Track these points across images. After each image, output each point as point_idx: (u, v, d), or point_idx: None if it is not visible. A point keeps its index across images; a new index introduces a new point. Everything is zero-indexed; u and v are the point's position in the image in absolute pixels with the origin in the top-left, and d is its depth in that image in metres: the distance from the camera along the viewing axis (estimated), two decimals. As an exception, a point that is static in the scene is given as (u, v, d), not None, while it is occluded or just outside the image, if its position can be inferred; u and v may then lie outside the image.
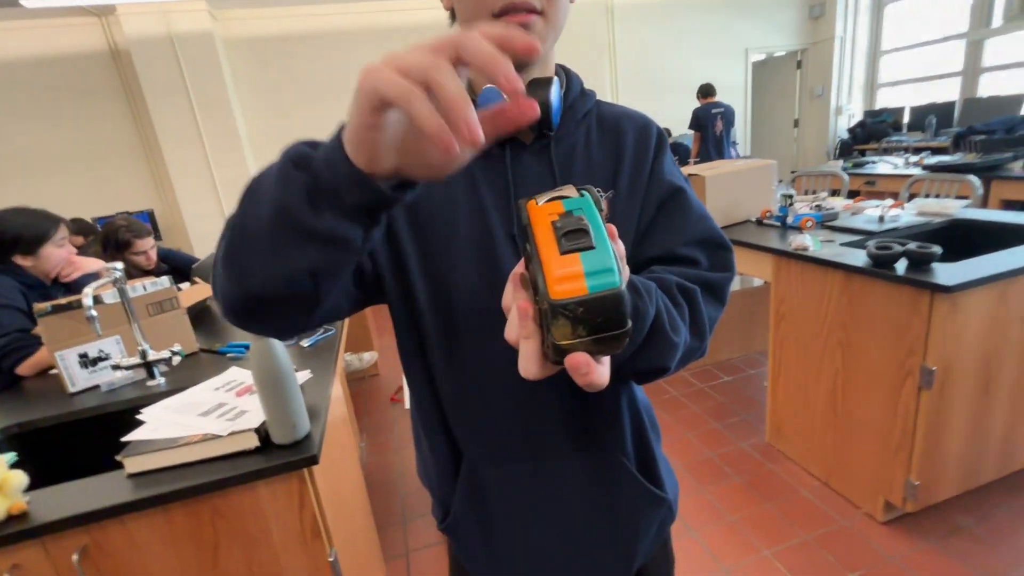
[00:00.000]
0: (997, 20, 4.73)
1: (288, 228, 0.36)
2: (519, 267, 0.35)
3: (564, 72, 0.59)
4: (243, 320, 0.44)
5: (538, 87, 0.51)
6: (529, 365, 0.32)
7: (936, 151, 4.46)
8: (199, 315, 1.82)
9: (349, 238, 0.36)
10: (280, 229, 0.36)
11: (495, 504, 0.61)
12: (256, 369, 0.85)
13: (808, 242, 1.72)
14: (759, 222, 2.18)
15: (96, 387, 1.28)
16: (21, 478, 0.81)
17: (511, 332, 0.34)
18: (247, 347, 1.42)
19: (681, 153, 5.07)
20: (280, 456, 0.89)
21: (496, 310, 0.54)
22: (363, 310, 0.52)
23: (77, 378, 1.27)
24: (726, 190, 2.15)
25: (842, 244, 1.74)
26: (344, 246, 0.37)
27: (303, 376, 1.17)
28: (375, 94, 0.29)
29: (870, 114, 5.88)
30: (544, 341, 0.31)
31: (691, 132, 4.91)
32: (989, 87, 5.02)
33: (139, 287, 1.34)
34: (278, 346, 0.86)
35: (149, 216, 4.61)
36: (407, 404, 1.83)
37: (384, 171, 0.34)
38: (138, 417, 0.98)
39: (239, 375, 1.15)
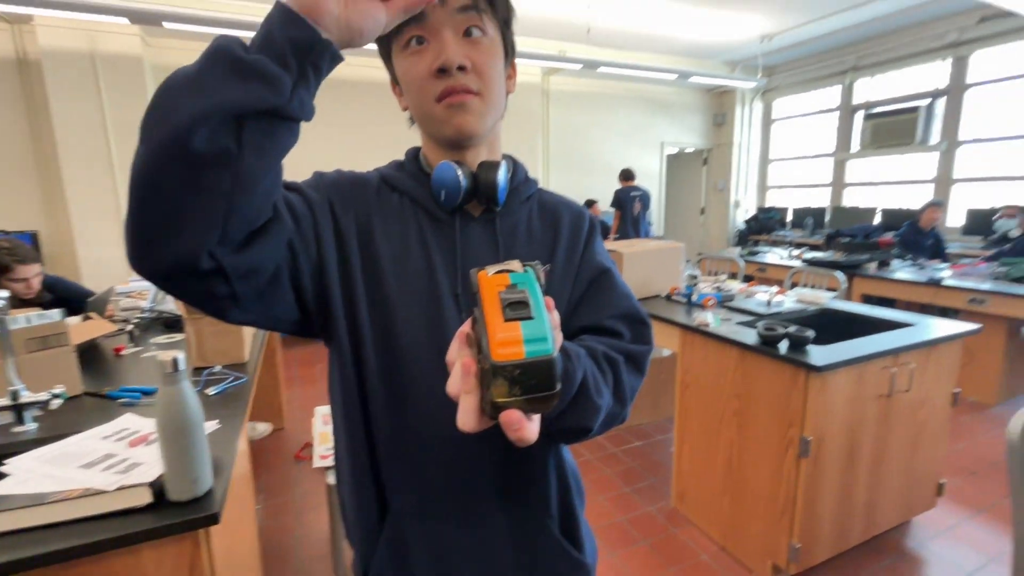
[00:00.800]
0: (855, 146, 5.76)
1: (217, 64, 0.37)
2: (465, 327, 0.39)
3: (512, 160, 0.67)
4: (152, 206, 0.38)
5: (487, 168, 0.58)
6: (467, 418, 0.35)
7: (813, 247, 5.21)
8: (86, 354, 1.64)
9: (278, 76, 0.38)
10: (208, 66, 0.38)
11: (417, 560, 0.61)
12: (161, 412, 0.79)
13: (709, 319, 1.93)
14: (668, 298, 2.40)
15: (-56, 432, 1.10)
16: None
17: (453, 386, 0.37)
18: (144, 391, 1.29)
19: (603, 229, 5.48)
20: (175, 514, 0.81)
21: (437, 360, 0.58)
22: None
23: (-80, 420, 1.08)
24: (641, 267, 2.36)
25: (737, 323, 1.96)
26: (274, 84, 0.38)
27: (210, 426, 1.09)
28: None
29: (762, 210, 6.77)
30: (483, 397, 0.34)
31: (612, 210, 5.35)
32: (852, 197, 6.02)
33: (22, 319, 1.20)
34: (189, 393, 0.82)
35: (32, 237, 4.12)
36: (316, 463, 1.73)
37: (328, 11, 0.40)
38: (0, 469, 0.86)
39: (134, 423, 1.05)
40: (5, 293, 1.09)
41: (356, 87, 4.94)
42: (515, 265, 0.39)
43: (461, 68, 0.54)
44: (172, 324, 2.03)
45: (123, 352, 1.71)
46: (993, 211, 4.39)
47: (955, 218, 4.94)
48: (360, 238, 0.58)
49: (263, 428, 2.88)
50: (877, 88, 5.62)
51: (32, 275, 1.94)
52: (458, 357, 0.37)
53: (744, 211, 7.08)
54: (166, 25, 3.61)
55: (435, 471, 0.60)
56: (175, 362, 0.79)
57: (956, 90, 4.85)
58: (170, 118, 0.36)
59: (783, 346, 1.64)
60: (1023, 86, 4.43)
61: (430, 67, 0.54)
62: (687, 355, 2.02)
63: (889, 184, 5.65)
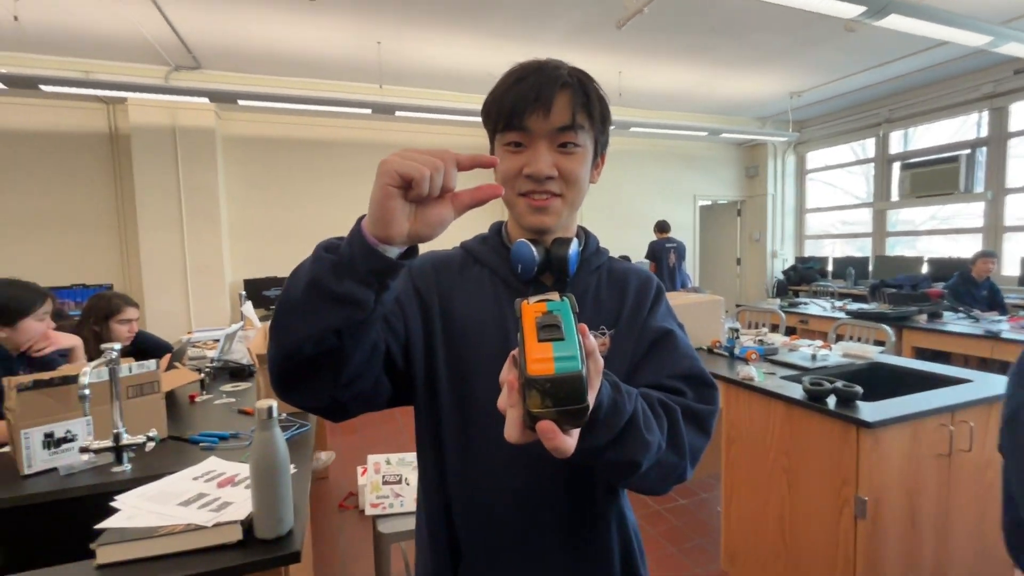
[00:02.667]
0: (894, 196, 5.70)
1: (317, 294, 0.49)
2: (515, 351, 0.44)
3: (584, 233, 0.75)
4: (285, 379, 0.54)
5: (559, 244, 0.66)
6: (512, 430, 0.41)
7: (856, 298, 5.08)
8: (167, 401, 1.78)
9: (363, 299, 0.49)
10: (311, 295, 0.49)
11: None
12: (256, 458, 0.89)
13: (753, 373, 1.93)
14: (710, 351, 2.40)
15: (53, 470, 1.23)
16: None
17: (502, 401, 0.43)
18: (222, 437, 1.41)
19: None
20: (263, 551, 0.89)
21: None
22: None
23: (35, 458, 1.22)
24: (679, 319, 2.39)
25: (782, 377, 1.95)
26: (360, 305, 0.49)
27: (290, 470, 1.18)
28: (395, 172, 0.45)
29: (800, 260, 6.68)
30: (523, 410, 0.39)
31: (647, 262, 5.41)
32: (896, 247, 5.89)
33: (125, 368, 1.35)
34: (280, 439, 0.91)
35: (108, 289, 4.48)
36: (368, 511, 1.78)
37: (399, 235, 0.47)
38: (113, 504, 0.97)
39: (219, 465, 1.15)
40: (117, 345, 1.24)
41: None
42: (553, 295, 0.46)
43: (548, 177, 0.61)
44: (237, 373, 2.18)
45: (197, 399, 1.85)
46: (1050, 260, 4.21)
47: (1010, 267, 4.76)
48: (443, 314, 0.68)
49: (326, 456, 2.94)
50: (914, 138, 5.63)
51: (135, 318, 2.15)
52: (507, 376, 0.43)
53: (782, 261, 7.00)
54: (241, 103, 4.05)
55: (504, 524, 0.65)
56: (269, 410, 0.90)
57: (998, 139, 4.81)
58: (287, 336, 0.51)
59: (831, 401, 1.63)
60: (1069, 135, 4.35)
61: (520, 168, 0.62)
62: (731, 410, 2.01)
63: (934, 233, 5.53)
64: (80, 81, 3.61)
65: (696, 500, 2.68)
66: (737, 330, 2.33)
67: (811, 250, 6.99)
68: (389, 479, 1.81)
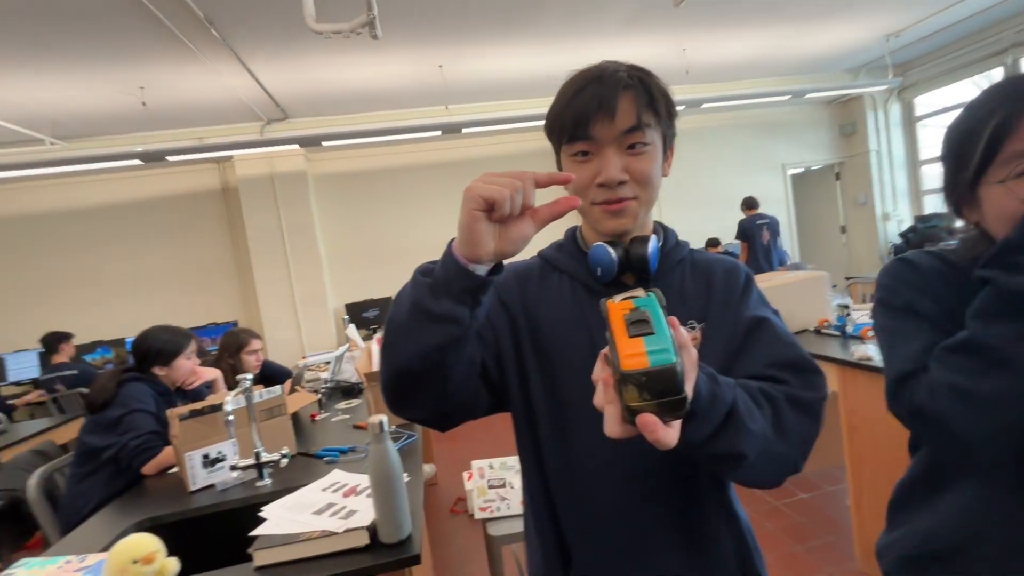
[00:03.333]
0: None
1: (419, 315, 0.54)
2: (606, 349, 0.45)
3: (662, 228, 0.74)
4: (396, 394, 0.60)
5: (638, 243, 0.66)
6: (611, 426, 0.42)
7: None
8: (292, 421, 2.00)
9: (459, 316, 0.53)
10: (414, 317, 0.54)
11: None
12: (373, 470, 0.98)
13: (872, 352, 1.75)
14: (818, 332, 2.21)
15: (211, 486, 1.43)
16: (175, 565, 0.94)
17: (598, 399, 0.44)
18: (342, 451, 1.55)
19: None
20: (388, 554, 0.97)
21: (601, 423, 0.66)
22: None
23: (198, 477, 1.43)
24: (781, 302, 2.21)
25: (908, 354, 1.75)
26: (457, 322, 0.54)
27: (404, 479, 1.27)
28: (479, 196, 0.49)
29: (920, 219, 5.90)
30: (621, 405, 0.40)
31: (738, 242, 5.09)
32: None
33: (257, 395, 1.54)
34: (392, 450, 0.99)
35: (234, 325, 5.10)
36: (477, 515, 1.86)
37: (487, 254, 0.51)
38: (260, 515, 1.11)
39: (342, 477, 1.27)
40: (250, 375, 1.42)
41: (508, 164, 5.51)
42: (638, 292, 0.46)
43: (620, 183, 0.62)
44: (349, 391, 2.38)
45: (317, 418, 2.05)
46: None
47: None
48: (529, 324, 0.70)
49: (428, 469, 3.13)
50: (1052, 61, 4.78)
51: (260, 348, 2.46)
52: (600, 374, 0.44)
53: (897, 223, 6.23)
54: (324, 144, 4.43)
55: (610, 525, 0.66)
56: (381, 424, 0.98)
57: None
58: (397, 355, 0.57)
59: (973, 377, 1.43)
60: None
61: (592, 178, 0.62)
62: (850, 394, 1.84)
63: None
64: (196, 148, 4.16)
65: (819, 494, 2.47)
66: (847, 306, 2.13)
67: (932, 206, 6.15)
68: (494, 483, 1.88)
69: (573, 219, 0.77)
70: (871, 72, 5.89)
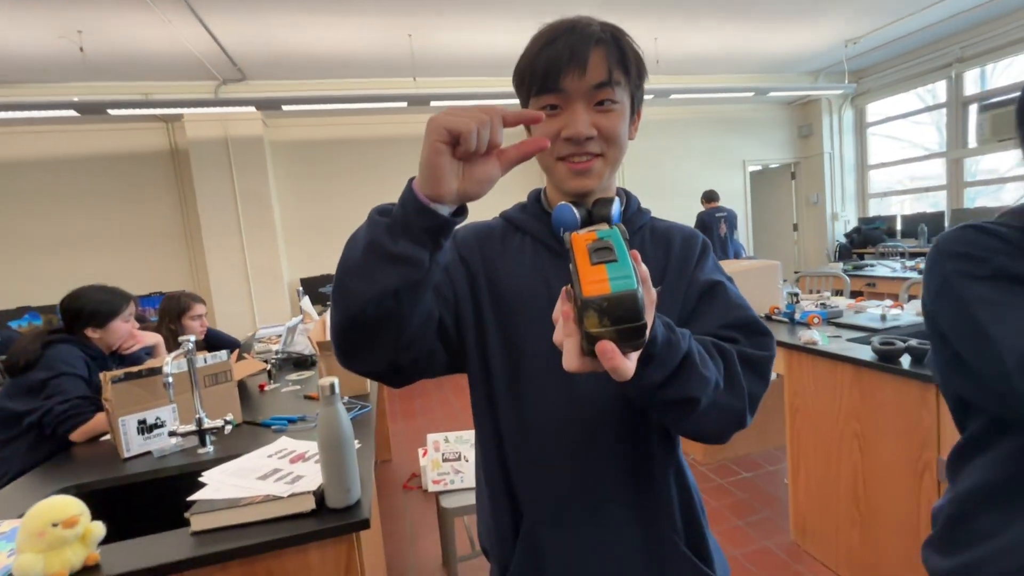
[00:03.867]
0: (971, 142, 5.20)
1: (374, 255, 0.51)
2: (567, 286, 0.45)
3: (625, 193, 0.74)
4: (348, 343, 0.56)
5: (602, 205, 0.64)
6: (570, 359, 0.41)
7: (931, 256, 4.69)
8: (239, 390, 1.91)
9: (419, 257, 0.50)
10: (369, 257, 0.51)
11: (551, 567, 0.66)
12: (323, 432, 0.94)
13: (816, 337, 1.84)
14: (768, 318, 2.30)
15: (148, 453, 1.35)
16: (100, 530, 0.88)
17: (558, 335, 0.43)
18: (291, 420, 1.50)
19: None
20: (334, 519, 0.94)
21: (560, 381, 0.66)
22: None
23: (132, 443, 1.34)
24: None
25: (848, 339, 1.85)
26: (415, 264, 0.51)
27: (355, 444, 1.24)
28: (443, 128, 0.46)
29: (864, 221, 6.24)
30: (581, 335, 0.40)
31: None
32: (974, 199, 5.39)
33: (201, 359, 1.46)
34: (343, 412, 0.96)
35: (201, 301, 4.84)
36: (430, 488, 1.85)
37: (449, 193, 0.48)
38: (200, 479, 1.05)
39: (290, 444, 1.23)
40: (192, 337, 1.34)
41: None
42: (603, 226, 0.46)
43: (588, 138, 0.60)
44: (301, 363, 2.30)
45: (266, 388, 1.97)
46: None
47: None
48: (488, 282, 0.68)
49: None
50: (992, 76, 5.10)
51: (203, 313, 2.33)
52: (560, 309, 0.44)
53: (844, 223, 6.56)
54: (284, 108, 4.22)
55: (562, 479, 0.66)
56: (332, 386, 0.94)
57: (1094, 68, 4.27)
58: (349, 299, 0.53)
59: (904, 361, 1.53)
60: None
61: (558, 131, 0.61)
62: (795, 377, 1.92)
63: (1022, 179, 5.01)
64: (141, 102, 3.87)
65: (761, 473, 2.60)
66: (796, 294, 2.22)
67: (876, 209, 6.51)
68: (449, 456, 1.87)
69: (537, 180, 0.76)
70: (829, 76, 6.12)
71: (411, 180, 0.51)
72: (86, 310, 1.65)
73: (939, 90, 5.55)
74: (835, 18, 4.50)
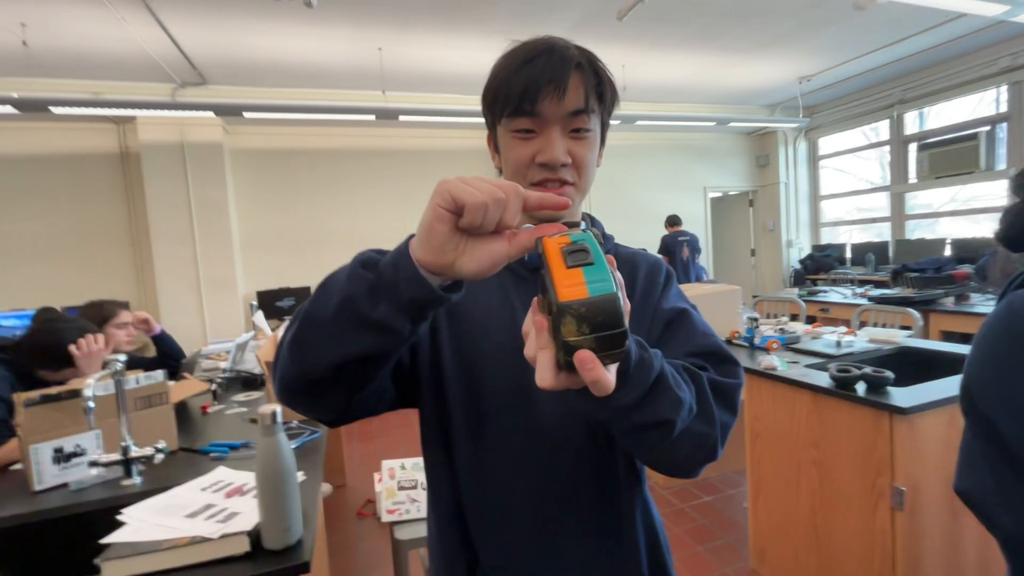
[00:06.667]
0: (912, 178, 5.55)
1: (348, 317, 0.44)
2: (537, 297, 0.41)
3: (589, 219, 0.73)
4: (295, 397, 0.51)
5: (568, 229, 0.62)
6: (544, 374, 0.37)
7: (877, 284, 4.94)
8: (178, 412, 1.77)
9: (398, 329, 0.44)
10: (342, 318, 0.44)
11: None
12: (260, 466, 0.86)
13: (776, 362, 1.86)
14: (728, 342, 2.33)
15: (64, 485, 1.22)
16: (-10, 581, 0.76)
17: (530, 349, 0.39)
18: (233, 446, 1.39)
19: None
20: (271, 562, 0.86)
21: (521, 413, 0.61)
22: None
23: (46, 474, 1.20)
24: (697, 311, 2.33)
25: (806, 366, 1.88)
26: (393, 336, 0.44)
27: (298, 477, 1.15)
28: (450, 195, 0.39)
29: (817, 248, 6.53)
30: (557, 347, 0.36)
31: (661, 257, 5.34)
32: (916, 230, 5.74)
33: (132, 379, 1.33)
34: (284, 444, 0.88)
35: (125, 307, 4.54)
36: (384, 517, 1.75)
37: (445, 263, 0.41)
38: (118, 518, 0.94)
39: (227, 475, 1.12)
40: (123, 356, 1.22)
41: (445, 158, 5.33)
42: (575, 230, 0.41)
43: (563, 164, 0.58)
44: (250, 383, 2.16)
45: (209, 410, 1.84)
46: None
47: (1038, 246, 4.58)
48: (447, 309, 0.62)
49: (326, 488, 2.94)
50: (929, 117, 5.48)
51: (129, 322, 2.11)
52: (532, 321, 0.39)
53: (798, 250, 6.85)
54: (245, 115, 4.08)
55: (521, 526, 0.62)
56: (273, 415, 0.86)
57: (1019, 114, 4.64)
58: (307, 357, 0.47)
59: (860, 388, 1.56)
60: (1095, 105, 4.19)
61: (533, 157, 0.58)
62: (754, 402, 1.94)
63: (956, 215, 5.36)
64: (89, 101, 3.66)
65: (721, 497, 2.60)
66: (756, 319, 2.26)
67: (827, 238, 6.84)
68: (404, 484, 1.78)
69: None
70: (785, 110, 6.44)
71: (409, 239, 0.44)
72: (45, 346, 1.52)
73: (882, 128, 5.92)
74: (790, 55, 4.74)
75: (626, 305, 0.39)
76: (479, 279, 0.43)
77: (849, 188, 6.50)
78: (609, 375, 0.36)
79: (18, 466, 1.34)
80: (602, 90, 0.60)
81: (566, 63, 0.57)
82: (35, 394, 1.21)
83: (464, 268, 0.42)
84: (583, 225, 0.67)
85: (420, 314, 0.44)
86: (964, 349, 1.95)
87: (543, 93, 0.56)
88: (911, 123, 5.63)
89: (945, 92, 5.15)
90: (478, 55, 4.18)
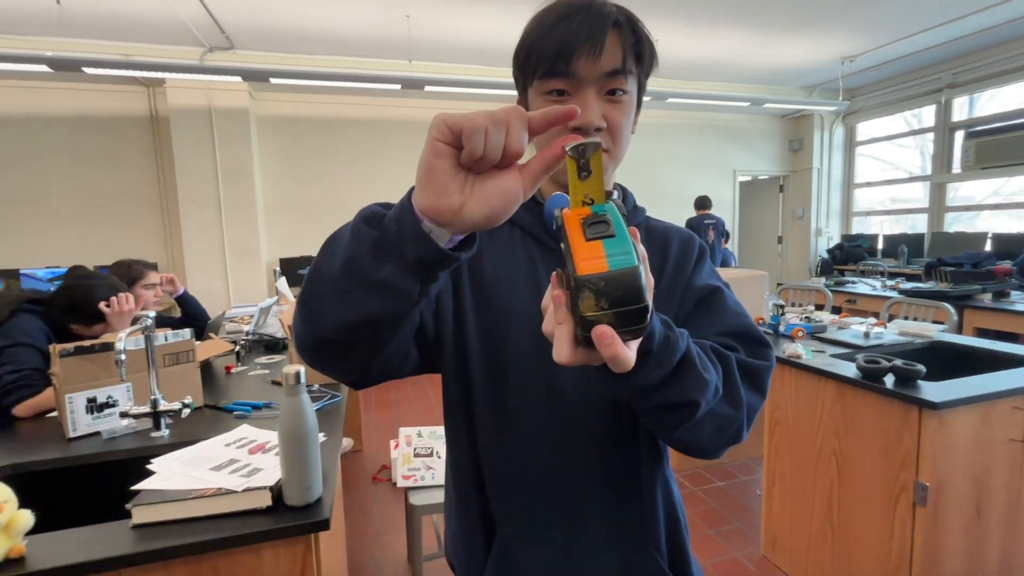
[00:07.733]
0: (956, 168, 5.30)
1: (352, 278, 0.42)
2: (557, 271, 0.38)
3: (621, 189, 0.70)
4: (312, 357, 0.49)
5: None
6: (562, 349, 0.35)
7: (909, 277, 4.77)
8: (203, 371, 1.81)
9: (405, 290, 0.41)
10: (345, 279, 0.42)
11: None
12: (284, 424, 0.87)
13: (800, 351, 1.82)
14: (752, 328, 2.28)
15: (97, 434, 1.26)
16: (27, 519, 0.80)
17: (548, 324, 0.38)
18: (255, 406, 1.42)
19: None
20: (291, 518, 0.88)
21: (544, 384, 0.60)
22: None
23: (80, 423, 1.25)
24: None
25: (832, 355, 1.83)
26: (401, 297, 0.41)
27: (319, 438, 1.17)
28: (445, 126, 0.35)
29: (847, 238, 6.33)
30: (575, 323, 0.34)
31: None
32: (954, 223, 5.50)
33: (161, 336, 1.37)
34: (307, 404, 0.89)
35: (154, 268, 4.66)
36: (399, 483, 1.79)
37: (448, 208, 0.37)
38: (148, 467, 0.97)
39: (251, 433, 1.15)
40: (152, 312, 1.25)
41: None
42: (592, 148, 0.36)
43: (597, 129, 0.55)
44: (272, 346, 2.21)
45: (232, 371, 1.88)
46: None
47: (1086, 244, 4.36)
48: (471, 274, 0.62)
49: (346, 443, 3.01)
50: (979, 104, 5.19)
51: (157, 283, 2.17)
52: (551, 296, 0.37)
53: (827, 239, 6.65)
54: (272, 81, 4.07)
55: (540, 498, 0.61)
56: (297, 375, 0.87)
57: (1077, 103, 4.37)
58: (318, 320, 0.45)
59: (888, 380, 1.51)
60: None
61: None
62: (776, 390, 1.90)
63: (1000, 208, 5.12)
64: (120, 63, 3.68)
65: (735, 483, 2.59)
66: (782, 306, 2.20)
67: (858, 228, 6.61)
68: (420, 452, 1.81)
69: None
70: (824, 92, 6.17)
71: (411, 190, 0.40)
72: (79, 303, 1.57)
73: (925, 115, 5.63)
74: (834, 34, 4.51)
75: (649, 280, 0.37)
76: (493, 226, 0.39)
77: (885, 177, 6.24)
78: (629, 352, 0.35)
79: (53, 414, 1.40)
80: (640, 50, 0.57)
81: (603, 20, 0.54)
82: (70, 346, 1.24)
83: (473, 212, 0.38)
84: (615, 194, 0.66)
85: (429, 274, 0.42)
86: (1003, 347, 1.87)
87: (579, 52, 0.53)
88: (959, 109, 5.35)
89: (1000, 77, 4.86)
90: (506, 25, 4.08)
